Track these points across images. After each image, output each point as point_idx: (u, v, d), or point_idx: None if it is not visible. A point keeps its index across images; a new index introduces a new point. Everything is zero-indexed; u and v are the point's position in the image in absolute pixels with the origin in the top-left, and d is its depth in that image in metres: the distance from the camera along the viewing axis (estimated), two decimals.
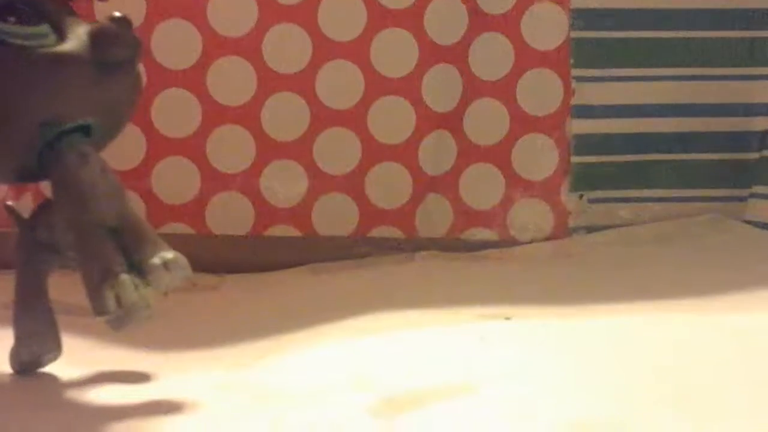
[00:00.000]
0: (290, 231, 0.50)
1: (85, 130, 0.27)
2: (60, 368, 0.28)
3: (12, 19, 0.26)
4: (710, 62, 0.51)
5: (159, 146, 0.49)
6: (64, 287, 0.43)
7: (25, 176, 0.28)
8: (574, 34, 0.51)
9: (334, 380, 0.25)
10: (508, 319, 0.33)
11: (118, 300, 0.23)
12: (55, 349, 0.28)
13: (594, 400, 0.23)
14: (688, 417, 0.21)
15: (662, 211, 0.52)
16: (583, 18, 0.51)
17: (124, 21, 0.27)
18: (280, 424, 0.22)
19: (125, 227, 0.25)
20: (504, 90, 0.51)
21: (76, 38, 0.26)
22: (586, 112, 0.51)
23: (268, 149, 0.49)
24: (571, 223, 0.51)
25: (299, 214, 0.49)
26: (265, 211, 0.49)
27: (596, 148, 0.51)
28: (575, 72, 0.51)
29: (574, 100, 0.51)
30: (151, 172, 0.49)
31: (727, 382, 0.24)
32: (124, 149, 0.48)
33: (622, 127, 0.51)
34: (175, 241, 0.26)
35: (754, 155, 0.52)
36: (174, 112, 0.48)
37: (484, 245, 0.51)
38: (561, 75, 0.51)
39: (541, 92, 0.51)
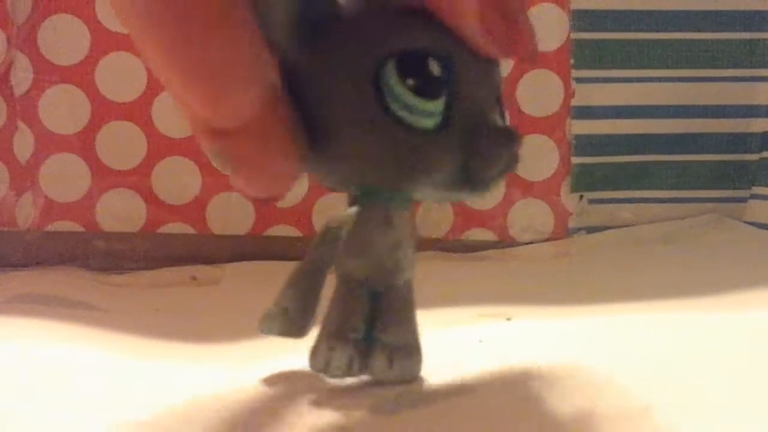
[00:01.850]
0: (290, 231, 0.50)
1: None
2: (59, 356, 0.28)
3: (411, 81, 0.21)
4: (711, 64, 0.51)
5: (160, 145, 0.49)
6: (64, 283, 0.43)
7: None
8: (575, 36, 0.51)
9: (334, 380, 0.25)
10: (508, 319, 0.33)
11: (327, 364, 0.22)
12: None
13: (595, 400, 0.23)
14: (689, 416, 0.21)
15: (662, 211, 0.52)
16: (583, 19, 0.51)
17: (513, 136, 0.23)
18: (281, 422, 0.22)
19: (387, 298, 0.23)
20: (504, 91, 0.51)
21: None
22: (587, 113, 0.51)
23: None
24: (572, 223, 0.52)
25: (299, 214, 0.49)
26: (265, 211, 0.49)
27: (596, 149, 0.51)
28: (575, 73, 0.51)
29: (575, 101, 0.51)
30: (151, 172, 0.49)
31: (728, 382, 0.24)
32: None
33: (623, 128, 0.51)
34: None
35: (755, 157, 0.52)
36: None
37: (484, 246, 0.51)
38: (561, 76, 0.51)
39: (541, 93, 0.51)
